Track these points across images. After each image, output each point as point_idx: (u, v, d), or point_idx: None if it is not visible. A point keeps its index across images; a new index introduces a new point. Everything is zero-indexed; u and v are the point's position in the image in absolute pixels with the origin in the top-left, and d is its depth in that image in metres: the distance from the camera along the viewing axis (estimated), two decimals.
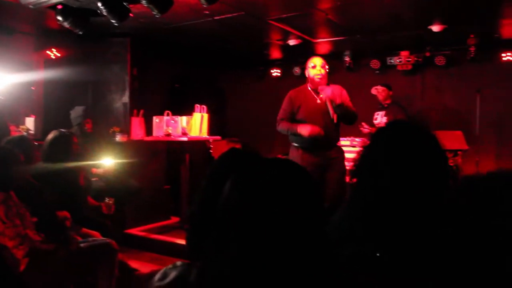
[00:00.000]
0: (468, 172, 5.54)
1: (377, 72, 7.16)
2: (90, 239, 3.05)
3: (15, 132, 4.92)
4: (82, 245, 2.86)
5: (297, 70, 7.79)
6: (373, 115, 6.18)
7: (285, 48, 6.82)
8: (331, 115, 3.95)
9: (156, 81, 6.44)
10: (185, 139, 5.37)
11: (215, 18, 5.19)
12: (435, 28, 5.40)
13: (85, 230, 3.39)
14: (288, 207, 0.92)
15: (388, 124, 1.86)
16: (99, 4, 4.38)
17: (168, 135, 5.44)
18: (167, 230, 5.51)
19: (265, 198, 0.93)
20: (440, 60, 6.56)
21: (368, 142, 1.79)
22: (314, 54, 6.96)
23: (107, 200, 3.90)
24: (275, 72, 8.20)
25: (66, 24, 4.78)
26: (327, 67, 4.16)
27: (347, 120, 4.07)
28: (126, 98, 5.94)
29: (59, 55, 6.11)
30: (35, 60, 6.09)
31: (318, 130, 3.85)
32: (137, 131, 5.71)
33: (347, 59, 7.31)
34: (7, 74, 5.66)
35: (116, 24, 4.62)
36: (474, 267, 0.94)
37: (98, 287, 2.91)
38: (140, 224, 5.59)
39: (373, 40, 6.29)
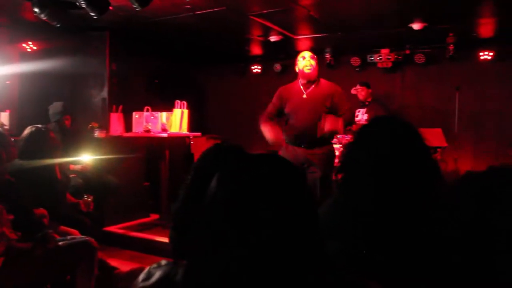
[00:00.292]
0: (447, 169, 5.62)
1: (357, 69, 7.21)
2: (69, 237, 2.98)
3: None
4: (60, 243, 2.78)
5: (277, 66, 7.79)
6: (354, 112, 6.21)
7: (266, 44, 6.79)
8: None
9: (135, 76, 6.34)
10: (165, 135, 5.30)
11: (196, 13, 5.13)
12: (416, 26, 5.44)
13: (63, 228, 3.31)
14: (278, 204, 0.90)
15: (371, 120, 1.86)
16: None
17: (148, 131, 5.36)
18: (147, 228, 5.44)
19: (254, 195, 0.90)
20: (419, 58, 6.63)
21: (352, 139, 1.79)
22: (295, 50, 6.97)
23: (85, 197, 3.82)
24: (256, 69, 8.17)
25: (43, 16, 4.65)
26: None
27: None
28: (104, 93, 5.82)
29: (35, 48, 5.96)
30: (10, 53, 5.92)
31: (278, 143, 3.99)
32: (116, 127, 5.62)
33: (327, 56, 7.34)
34: None
35: (95, 17, 4.52)
36: (471, 266, 0.93)
37: (77, 286, 2.84)
38: (119, 222, 5.51)
39: (353, 37, 6.31)
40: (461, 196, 0.98)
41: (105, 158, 5.18)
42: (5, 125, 5.33)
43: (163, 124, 5.41)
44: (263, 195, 0.90)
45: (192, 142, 6.90)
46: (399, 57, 6.75)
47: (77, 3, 4.39)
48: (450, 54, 6.31)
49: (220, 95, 8.37)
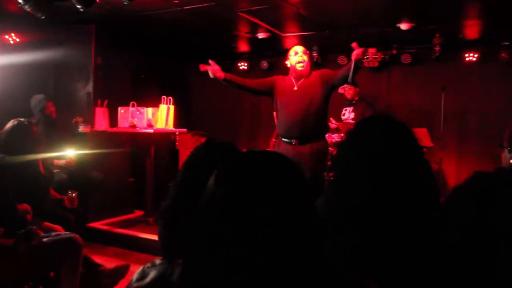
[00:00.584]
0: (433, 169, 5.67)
1: (342, 69, 7.20)
2: (54, 233, 2.93)
3: None
4: (45, 240, 2.73)
5: (264, 64, 7.78)
6: (341, 110, 6.23)
7: (253, 41, 6.76)
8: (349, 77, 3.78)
9: (121, 70, 6.24)
10: (150, 131, 5.26)
11: (185, 8, 5.07)
12: (404, 26, 5.47)
13: (47, 224, 3.25)
14: (279, 202, 0.88)
15: (364, 120, 1.85)
16: None
17: (134, 126, 5.31)
18: (131, 224, 5.40)
19: (254, 194, 0.88)
20: (406, 58, 6.67)
21: (345, 138, 1.78)
22: (282, 48, 6.96)
23: (70, 193, 3.76)
24: (242, 66, 8.14)
25: (27, 8, 4.53)
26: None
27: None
28: (89, 87, 5.72)
29: (18, 40, 5.83)
30: None
31: (214, 74, 4.01)
32: (101, 121, 5.55)
33: (314, 54, 7.33)
34: None
35: (81, 10, 4.43)
36: (470, 266, 0.93)
37: (61, 283, 2.79)
38: (103, 218, 5.45)
39: (341, 36, 6.31)
40: (465, 196, 0.97)
41: (90, 153, 5.11)
42: None
43: (149, 120, 5.36)
44: (263, 194, 0.88)
45: (178, 138, 6.85)
46: (386, 57, 6.77)
47: None
48: (436, 55, 6.35)
49: (206, 92, 8.30)
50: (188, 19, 5.56)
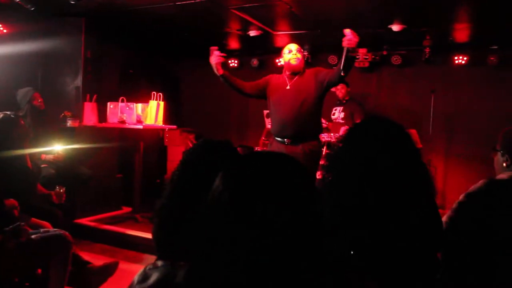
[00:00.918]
0: None
1: (335, 67, 7.22)
2: (42, 230, 2.87)
3: None
4: (33, 236, 2.68)
5: (255, 61, 7.76)
6: (331, 110, 6.24)
7: (244, 39, 6.73)
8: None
9: (110, 65, 6.17)
10: (140, 127, 5.21)
11: (177, 3, 5.02)
12: (395, 27, 5.48)
13: (34, 220, 3.20)
14: (288, 203, 0.87)
15: (362, 121, 1.85)
16: None
17: (123, 122, 5.26)
18: (119, 221, 5.34)
19: (263, 195, 0.87)
20: (396, 59, 6.71)
21: (342, 139, 1.77)
22: (273, 46, 6.95)
23: (57, 188, 3.70)
24: (233, 63, 8.10)
25: None
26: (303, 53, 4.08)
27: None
28: (78, 82, 5.64)
29: (5, 31, 5.72)
30: None
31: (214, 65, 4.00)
32: (90, 116, 5.47)
33: (305, 53, 7.32)
34: None
35: (72, 3, 4.38)
36: (470, 266, 0.93)
37: (50, 280, 2.74)
38: (91, 214, 5.39)
39: (333, 35, 6.30)
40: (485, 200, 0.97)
41: (78, 148, 5.05)
42: None
43: (138, 116, 5.31)
44: (273, 195, 0.87)
45: (167, 135, 6.80)
46: (377, 58, 6.80)
47: None
48: (426, 57, 6.39)
49: (195, 89, 8.27)
50: (180, 14, 5.51)
